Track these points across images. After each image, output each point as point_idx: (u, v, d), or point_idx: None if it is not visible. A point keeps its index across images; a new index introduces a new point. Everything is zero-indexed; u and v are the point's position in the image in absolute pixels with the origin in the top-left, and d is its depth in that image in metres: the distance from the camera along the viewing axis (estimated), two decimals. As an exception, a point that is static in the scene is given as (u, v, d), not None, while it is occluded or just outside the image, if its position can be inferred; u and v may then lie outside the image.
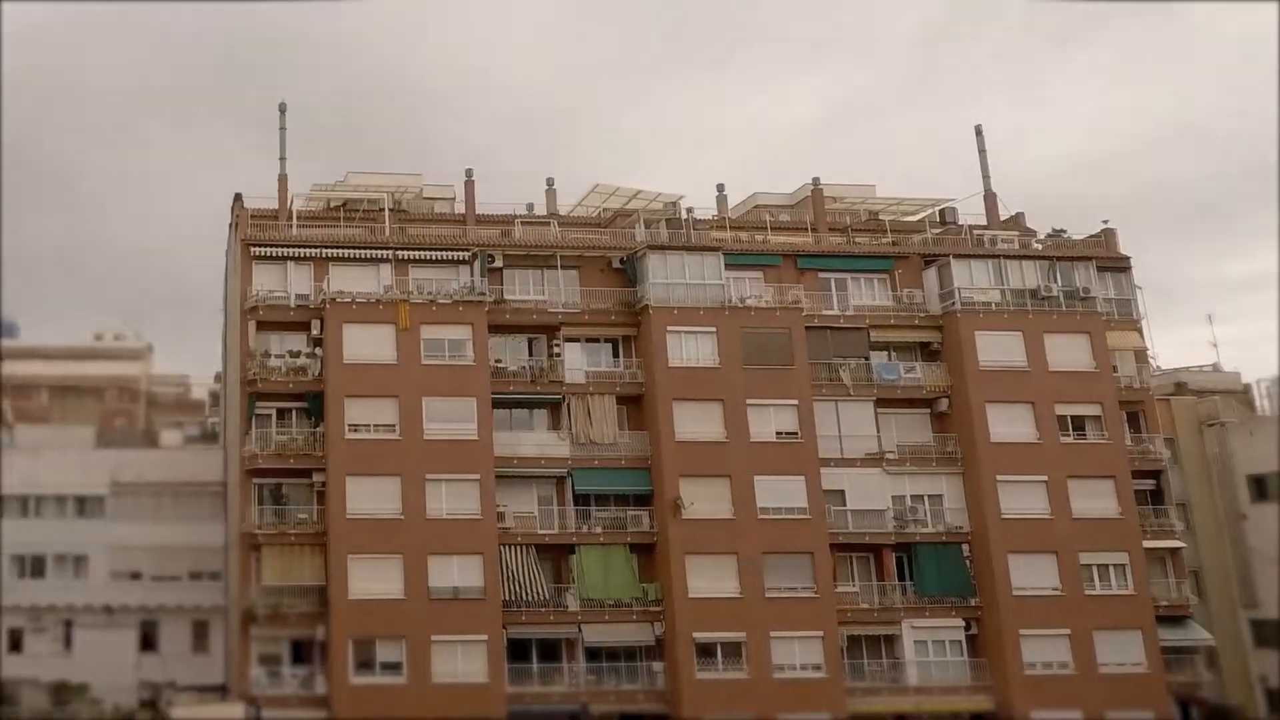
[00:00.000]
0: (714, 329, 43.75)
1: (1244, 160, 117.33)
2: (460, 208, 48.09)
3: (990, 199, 50.66)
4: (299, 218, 45.90)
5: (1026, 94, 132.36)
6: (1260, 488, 48.09)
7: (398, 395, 41.75)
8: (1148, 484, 45.67)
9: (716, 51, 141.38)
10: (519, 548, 41.68)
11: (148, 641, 47.30)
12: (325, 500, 41.15)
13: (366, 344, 42.20)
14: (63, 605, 47.19)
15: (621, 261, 45.09)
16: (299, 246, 43.70)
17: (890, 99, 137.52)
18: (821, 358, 44.57)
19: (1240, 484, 48.77)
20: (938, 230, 50.21)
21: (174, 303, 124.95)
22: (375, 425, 41.66)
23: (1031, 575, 43.00)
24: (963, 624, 43.19)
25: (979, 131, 50.91)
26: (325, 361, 41.98)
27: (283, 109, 47.47)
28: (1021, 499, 43.68)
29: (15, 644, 46.83)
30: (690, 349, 43.65)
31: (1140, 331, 47.48)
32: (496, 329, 43.39)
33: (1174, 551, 45.15)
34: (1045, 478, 44.00)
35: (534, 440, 42.98)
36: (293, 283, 43.26)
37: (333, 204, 47.61)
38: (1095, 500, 44.05)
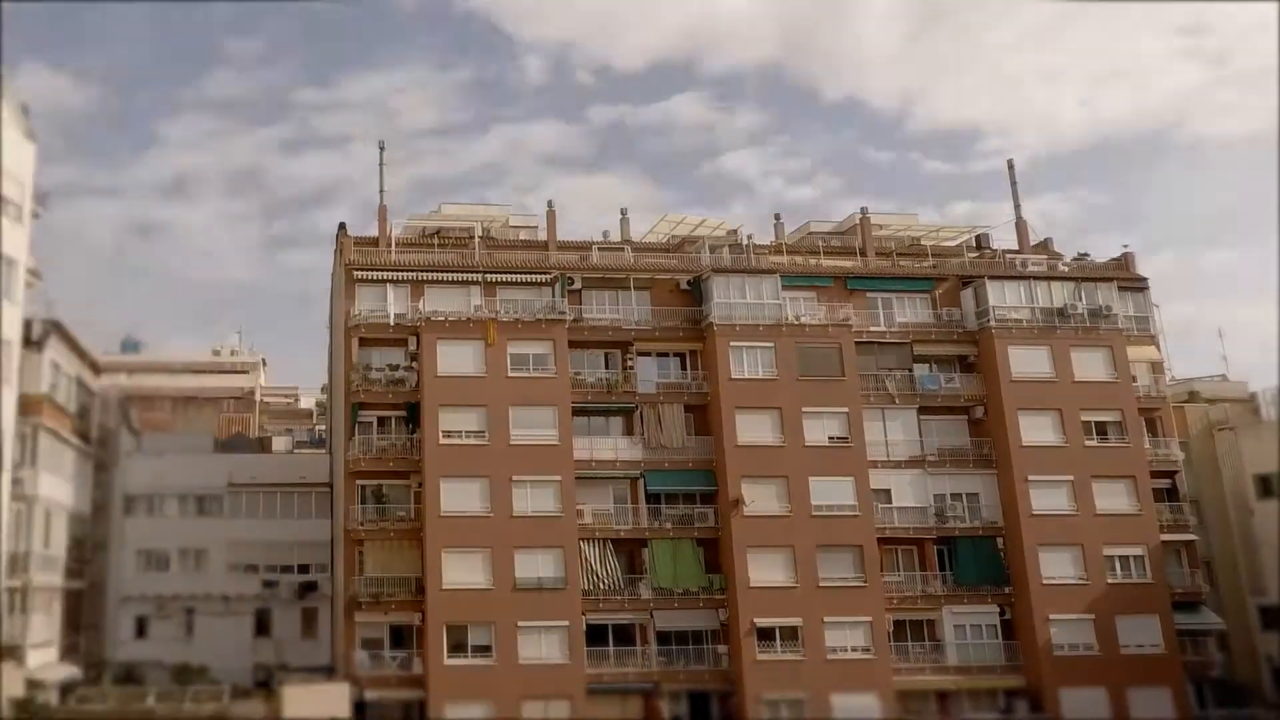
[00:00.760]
0: (771, 344, 45.88)
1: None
2: (542, 235, 50.11)
3: (1021, 226, 52.76)
4: (397, 244, 48.21)
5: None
6: (1266, 485, 49.55)
7: (486, 405, 43.76)
8: (1164, 483, 47.66)
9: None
10: (596, 542, 43.77)
11: (261, 627, 49.85)
12: (421, 499, 43.11)
13: (458, 358, 44.25)
14: (185, 595, 49.93)
15: (688, 283, 47.34)
16: (397, 270, 45.76)
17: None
18: (869, 370, 46.75)
19: (1248, 482, 50.34)
20: (974, 254, 52.37)
21: (285, 321, 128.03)
22: (466, 432, 43.64)
23: (1059, 566, 45.09)
24: (997, 610, 45.28)
25: (1010, 165, 53.24)
26: (421, 374, 44.04)
27: (382, 146, 49.69)
28: (1049, 497, 45.80)
29: (141, 630, 49.60)
30: (750, 362, 45.80)
31: (1157, 345, 49.33)
32: (575, 344, 45.43)
33: (1188, 544, 47.27)
34: (1071, 478, 46.10)
35: (609, 445, 45.11)
36: (391, 303, 45.13)
37: (427, 231, 49.77)
38: (1116, 498, 46.14)
